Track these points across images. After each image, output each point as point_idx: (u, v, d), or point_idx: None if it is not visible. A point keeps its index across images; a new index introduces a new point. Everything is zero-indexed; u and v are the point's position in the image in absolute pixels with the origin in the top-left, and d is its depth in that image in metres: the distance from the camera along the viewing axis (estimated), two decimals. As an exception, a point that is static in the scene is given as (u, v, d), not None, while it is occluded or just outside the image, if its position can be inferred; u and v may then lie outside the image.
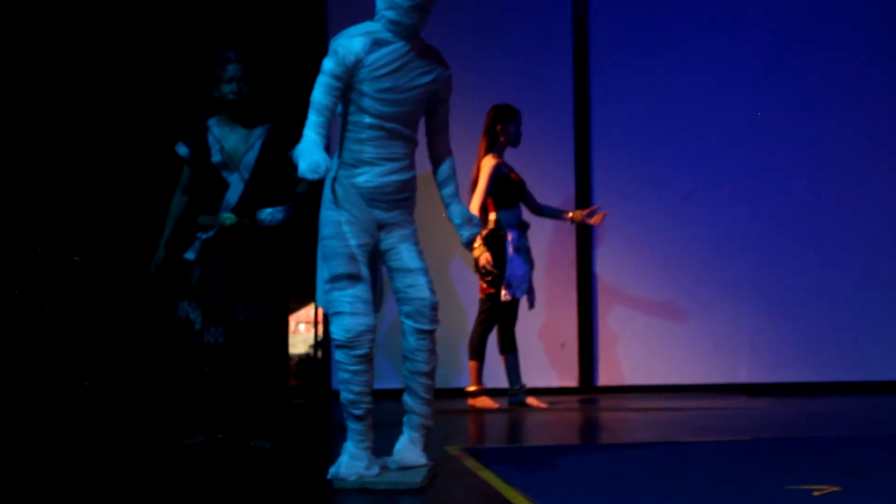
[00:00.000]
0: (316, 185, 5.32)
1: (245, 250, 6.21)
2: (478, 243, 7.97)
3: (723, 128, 9.51)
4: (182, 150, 6.38)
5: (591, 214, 8.44)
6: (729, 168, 9.51)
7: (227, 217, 6.17)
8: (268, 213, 6.00)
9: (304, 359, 9.87)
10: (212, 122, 6.37)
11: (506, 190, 8.15)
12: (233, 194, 6.22)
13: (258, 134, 6.30)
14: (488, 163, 8.11)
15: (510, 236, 8.13)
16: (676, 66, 9.46)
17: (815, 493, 4.72)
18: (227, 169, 6.22)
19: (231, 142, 6.25)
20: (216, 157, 6.22)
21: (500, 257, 8.08)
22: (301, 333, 10.26)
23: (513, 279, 8.09)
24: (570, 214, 8.55)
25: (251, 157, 6.19)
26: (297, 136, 4.92)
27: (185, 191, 6.51)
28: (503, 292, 8.10)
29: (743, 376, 9.50)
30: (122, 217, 8.81)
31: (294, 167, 4.99)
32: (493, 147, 8.18)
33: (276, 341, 6.44)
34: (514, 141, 8.19)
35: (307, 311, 10.10)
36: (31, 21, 8.84)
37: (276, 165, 6.25)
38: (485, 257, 8.02)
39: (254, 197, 6.21)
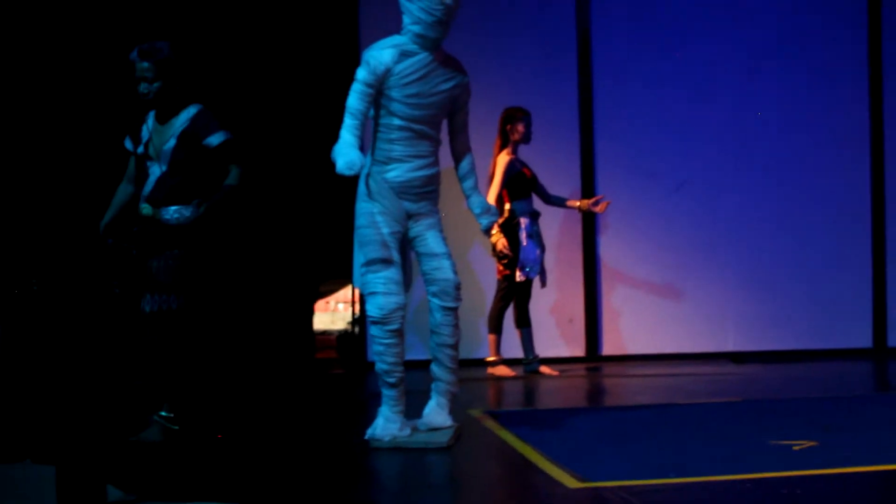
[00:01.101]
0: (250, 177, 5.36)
1: (157, 240, 5.72)
2: (495, 230, 7.93)
3: (710, 125, 9.45)
4: (126, 142, 5.99)
5: (595, 203, 8.43)
6: (716, 161, 9.46)
7: (143, 207, 5.73)
8: (173, 212, 5.66)
9: (342, 334, 9.86)
10: (151, 114, 5.94)
11: (518, 183, 8.14)
12: (149, 185, 5.78)
13: (178, 125, 5.79)
14: (502, 159, 8.10)
15: (523, 224, 8.11)
16: (670, 70, 9.40)
17: (795, 448, 4.73)
18: (151, 160, 5.80)
19: (157, 134, 5.80)
20: (141, 149, 5.83)
21: (514, 242, 8.07)
22: (340, 312, 10.25)
23: (526, 262, 8.08)
24: (577, 203, 8.54)
25: (168, 148, 5.71)
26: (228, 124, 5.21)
27: (130, 181, 6.02)
28: (517, 273, 8.10)
29: (730, 345, 9.46)
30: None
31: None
32: (506, 145, 8.16)
33: (193, 331, 5.91)
34: (525, 139, 8.16)
35: (345, 292, 10.10)
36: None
37: (196, 157, 5.75)
38: (501, 242, 8.02)
39: (169, 188, 5.73)
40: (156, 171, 5.78)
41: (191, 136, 5.74)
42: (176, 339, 5.66)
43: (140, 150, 5.85)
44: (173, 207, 5.68)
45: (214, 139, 5.70)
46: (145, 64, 5.69)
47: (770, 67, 9.53)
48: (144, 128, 5.91)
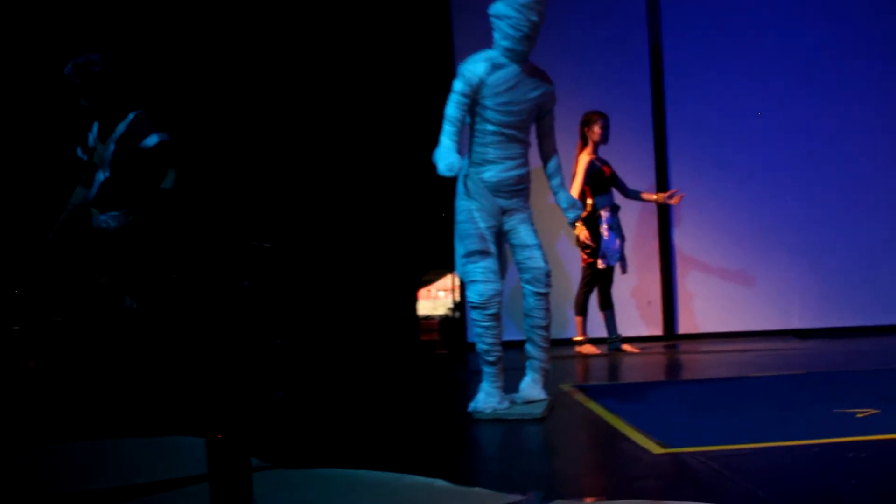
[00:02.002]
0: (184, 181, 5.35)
1: (101, 243, 5.59)
2: (578, 223, 7.98)
3: (776, 120, 9.34)
4: (78, 150, 5.81)
5: (670, 196, 8.40)
6: (781, 153, 9.34)
7: (93, 212, 5.59)
8: (101, 220, 5.49)
9: (444, 318, 9.92)
10: (96, 123, 5.75)
11: (597, 180, 8.12)
12: (93, 191, 5.64)
13: (117, 132, 5.61)
14: (583, 159, 8.09)
15: (604, 217, 8.10)
16: (736, 69, 9.31)
17: (858, 416, 4.67)
18: (96, 167, 5.64)
19: (100, 141, 5.63)
20: (85, 156, 5.69)
21: (596, 234, 8.07)
22: (441, 298, 10.31)
23: (606, 251, 8.07)
24: (654, 197, 8.52)
25: (109, 154, 5.55)
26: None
27: (85, 185, 5.80)
28: (599, 262, 8.09)
29: (795, 322, 9.35)
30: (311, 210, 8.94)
31: None
32: (585, 146, 8.15)
33: (150, 329, 5.72)
34: (601, 139, 8.13)
35: (445, 281, 10.15)
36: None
37: (135, 161, 5.56)
38: (583, 234, 8.03)
39: (111, 193, 5.57)
40: (100, 176, 5.65)
41: (127, 139, 5.57)
42: (128, 338, 5.51)
43: (85, 157, 5.72)
44: (103, 216, 5.53)
45: (150, 141, 5.54)
46: (78, 80, 5.55)
47: (831, 62, 9.39)
48: (90, 136, 5.76)
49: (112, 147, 5.60)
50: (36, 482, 3.97)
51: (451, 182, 5.10)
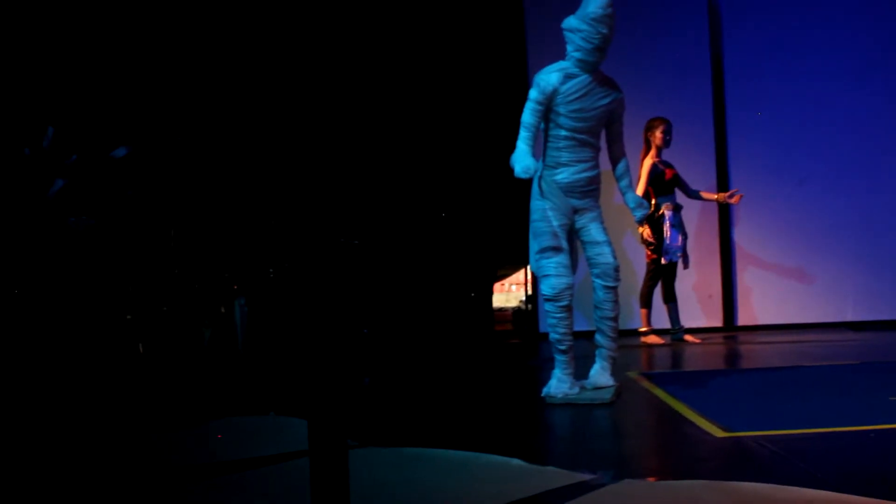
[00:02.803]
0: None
1: (69, 245, 5.45)
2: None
3: (829, 125, 9.21)
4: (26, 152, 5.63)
5: (730, 196, 8.32)
6: (836, 155, 9.20)
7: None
8: (72, 221, 5.34)
9: (517, 310, 9.93)
10: (50, 129, 5.61)
11: (660, 182, 8.07)
12: (54, 192, 5.47)
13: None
14: (646, 163, 8.05)
15: (667, 215, 8.05)
16: (793, 74, 9.18)
17: (913, 403, 4.61)
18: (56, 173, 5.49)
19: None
20: (48, 163, 5.54)
21: (659, 232, 8.02)
22: (514, 292, 10.33)
23: (669, 248, 8.02)
24: (715, 196, 8.44)
25: (70, 161, 5.43)
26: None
27: (39, 185, 5.60)
28: (662, 258, 8.05)
29: (850, 315, 9.21)
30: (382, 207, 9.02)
31: None
32: (649, 150, 8.11)
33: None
34: (664, 143, 8.08)
35: (517, 275, 10.17)
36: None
37: (98, 166, 5.47)
38: (646, 232, 8.00)
39: (71, 198, 5.41)
40: (59, 182, 5.54)
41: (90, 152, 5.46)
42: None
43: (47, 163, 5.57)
44: (72, 219, 5.43)
45: (119, 152, 5.56)
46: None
47: (886, 64, 9.24)
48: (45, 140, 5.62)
49: (75, 156, 5.53)
50: (156, 460, 4.07)
51: (526, 183, 5.11)
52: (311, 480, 2.44)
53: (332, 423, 2.32)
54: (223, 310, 6.00)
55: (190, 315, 5.99)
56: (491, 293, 9.71)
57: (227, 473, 3.66)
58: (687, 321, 8.51)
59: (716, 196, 8.43)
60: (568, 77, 4.96)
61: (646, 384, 5.67)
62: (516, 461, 3.62)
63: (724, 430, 4.12)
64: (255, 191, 5.91)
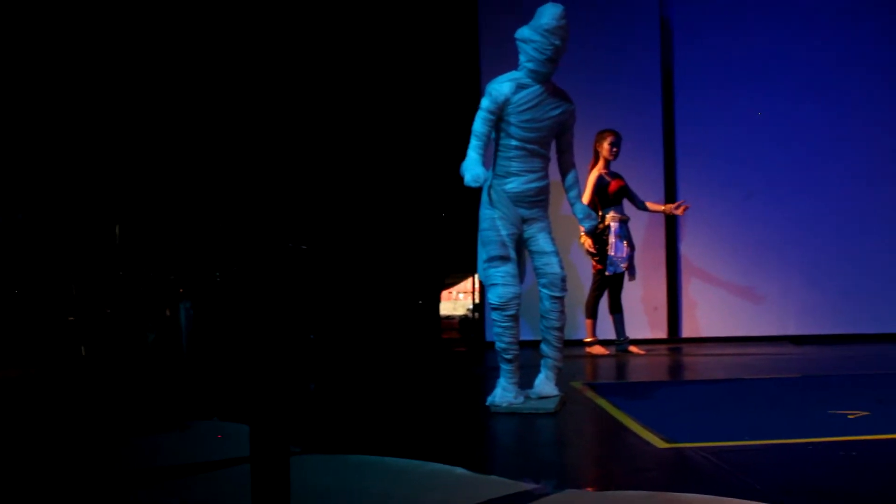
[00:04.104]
0: None
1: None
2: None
3: (775, 140, 9.32)
4: None
5: (677, 207, 8.38)
6: (781, 172, 9.31)
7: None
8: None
9: (464, 318, 9.93)
10: None
11: (605, 193, 8.11)
12: None
13: None
14: (592, 174, 8.10)
15: (612, 227, 8.09)
16: (741, 91, 9.29)
17: (850, 417, 4.66)
18: None
19: None
20: None
21: (604, 243, 8.07)
22: (461, 300, 10.32)
23: (614, 259, 8.06)
24: (661, 207, 8.50)
25: None
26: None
27: None
28: (607, 269, 8.10)
29: (792, 329, 9.32)
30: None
31: None
32: (597, 161, 8.16)
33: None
34: (611, 155, 8.11)
35: (465, 284, 10.16)
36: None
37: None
38: (588, 243, 8.07)
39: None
40: None
41: None
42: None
43: None
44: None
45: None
46: None
47: (833, 84, 9.37)
48: None
49: None
50: (95, 466, 4.00)
51: (476, 192, 5.12)
52: (251, 486, 2.41)
53: (274, 428, 2.30)
54: (168, 313, 5.93)
55: (134, 318, 5.90)
56: (439, 301, 9.70)
57: (168, 479, 3.61)
58: (632, 332, 8.56)
59: (662, 207, 8.49)
60: (520, 87, 4.98)
61: (590, 394, 5.69)
62: (460, 470, 3.61)
63: (667, 441, 4.14)
64: (205, 193, 5.84)
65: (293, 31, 8.93)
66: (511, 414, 4.98)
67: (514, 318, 5.07)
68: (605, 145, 8.10)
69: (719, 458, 3.74)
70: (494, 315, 5.10)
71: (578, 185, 5.37)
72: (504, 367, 5.12)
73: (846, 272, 9.34)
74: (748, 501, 3.10)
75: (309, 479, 3.44)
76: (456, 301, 10.53)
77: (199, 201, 5.85)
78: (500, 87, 4.97)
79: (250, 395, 2.27)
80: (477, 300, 9.39)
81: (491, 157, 5.14)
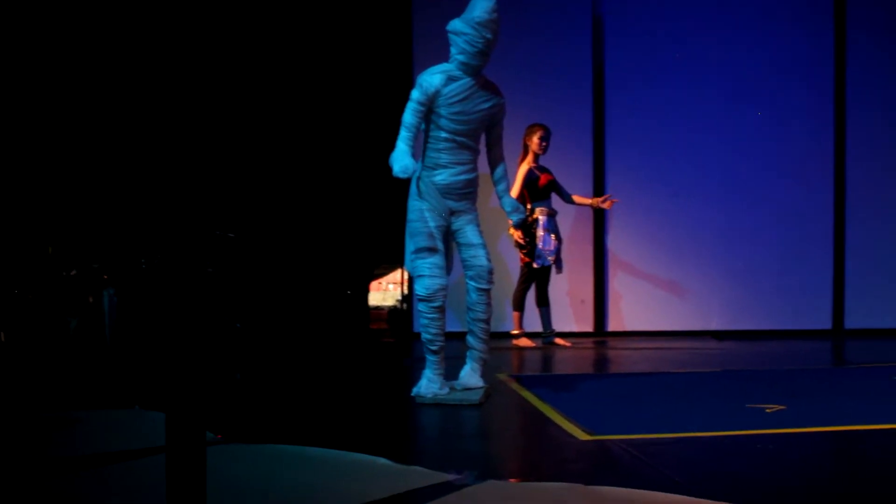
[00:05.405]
0: None
1: None
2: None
3: (703, 138, 9.44)
4: None
5: (603, 201, 8.42)
6: (707, 172, 9.44)
7: None
8: None
9: (392, 309, 9.90)
10: None
11: (535, 187, 8.14)
12: None
13: None
14: (522, 168, 8.12)
15: (540, 221, 8.12)
16: (670, 89, 9.38)
17: (768, 410, 4.72)
18: None
19: None
20: None
21: (532, 236, 8.09)
22: (390, 291, 10.29)
23: (541, 252, 8.09)
24: (589, 201, 8.54)
25: None
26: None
27: None
28: (535, 262, 8.12)
29: (714, 324, 9.45)
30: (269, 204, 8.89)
31: None
32: (526, 155, 8.18)
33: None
34: (541, 149, 8.15)
35: (394, 275, 10.13)
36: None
37: None
38: (517, 235, 8.09)
39: None
40: None
41: None
42: None
43: None
44: None
45: None
46: None
47: (758, 86, 9.51)
48: None
49: None
50: (14, 453, 3.91)
51: (404, 183, 5.10)
52: (166, 475, 2.37)
53: (190, 416, 2.26)
54: (91, 300, 5.82)
55: (56, 304, 5.79)
56: (367, 291, 9.66)
57: (86, 467, 3.54)
58: (559, 325, 8.61)
59: (589, 201, 8.53)
60: (451, 79, 4.96)
61: (515, 386, 5.70)
62: (383, 460, 3.59)
63: (589, 433, 4.16)
64: (131, 180, 5.75)
65: (222, 17, 8.81)
66: (436, 405, 4.97)
67: (441, 309, 5.06)
68: (535, 139, 8.12)
69: (640, 451, 3.76)
70: (421, 306, 5.09)
71: (507, 179, 5.37)
72: (430, 357, 5.11)
73: (768, 269, 9.50)
74: (668, 494, 3.12)
75: (229, 469, 3.40)
76: (385, 292, 10.49)
77: (126, 187, 5.75)
78: (431, 78, 4.96)
79: (168, 382, 2.22)
80: (406, 291, 9.37)
81: (420, 148, 5.12)
